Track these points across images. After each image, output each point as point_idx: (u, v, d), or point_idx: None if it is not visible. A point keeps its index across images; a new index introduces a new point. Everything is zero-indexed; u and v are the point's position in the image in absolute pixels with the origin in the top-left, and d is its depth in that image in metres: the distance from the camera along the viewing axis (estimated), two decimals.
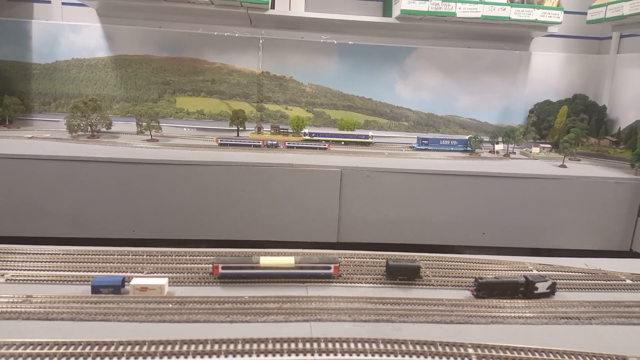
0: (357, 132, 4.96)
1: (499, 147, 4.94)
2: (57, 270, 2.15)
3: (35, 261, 2.21)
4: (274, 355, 1.61)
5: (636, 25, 4.44)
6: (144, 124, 4.44)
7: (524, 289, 2.04)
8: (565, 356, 1.65)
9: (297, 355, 1.61)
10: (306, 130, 4.83)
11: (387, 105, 5.35)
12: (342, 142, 4.81)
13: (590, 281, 2.28)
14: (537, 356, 1.64)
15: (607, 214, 4.15)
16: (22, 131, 4.59)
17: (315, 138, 4.78)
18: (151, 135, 4.51)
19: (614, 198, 4.10)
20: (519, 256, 2.47)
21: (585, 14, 4.74)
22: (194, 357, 1.59)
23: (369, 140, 4.84)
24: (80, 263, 2.22)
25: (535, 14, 4.66)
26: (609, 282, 2.28)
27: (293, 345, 1.65)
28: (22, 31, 4.78)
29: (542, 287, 2.03)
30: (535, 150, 4.94)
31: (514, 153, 4.97)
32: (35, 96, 4.92)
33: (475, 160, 4.59)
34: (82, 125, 4.40)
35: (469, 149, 4.84)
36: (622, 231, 4.18)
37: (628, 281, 2.29)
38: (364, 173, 3.92)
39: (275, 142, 4.50)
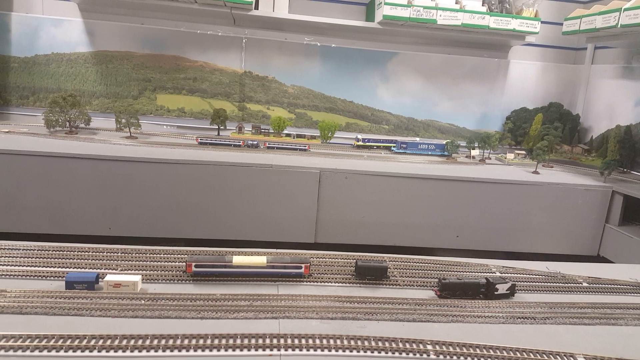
0: (405, 138, 5.20)
1: (475, 152, 5.05)
2: (32, 266, 2.17)
3: (9, 256, 2.22)
4: (241, 350, 1.67)
5: (608, 38, 4.60)
6: (123, 120, 4.44)
7: (484, 290, 2.13)
8: (518, 353, 1.75)
9: (264, 350, 1.67)
10: (359, 136, 4.98)
11: (368, 108, 5.44)
12: (392, 148, 4.99)
13: (549, 283, 2.38)
14: (492, 353, 1.73)
15: (576, 220, 4.29)
16: None
17: (367, 144, 4.94)
18: (130, 132, 4.51)
19: (583, 204, 4.24)
20: (483, 259, 2.56)
21: (562, 25, 4.89)
22: (164, 350, 1.64)
23: None
24: (54, 259, 2.24)
25: (514, 24, 4.79)
26: (566, 284, 2.39)
27: (261, 341, 1.71)
28: (1, 24, 4.72)
29: (502, 288, 2.13)
30: (510, 156, 5.07)
31: (490, 158, 5.09)
32: (13, 90, 4.87)
33: (452, 164, 4.69)
34: (60, 120, 4.37)
35: (446, 153, 4.94)
36: (590, 237, 4.32)
37: (585, 284, 2.40)
38: (343, 175, 3.99)
39: (255, 142, 4.53)
